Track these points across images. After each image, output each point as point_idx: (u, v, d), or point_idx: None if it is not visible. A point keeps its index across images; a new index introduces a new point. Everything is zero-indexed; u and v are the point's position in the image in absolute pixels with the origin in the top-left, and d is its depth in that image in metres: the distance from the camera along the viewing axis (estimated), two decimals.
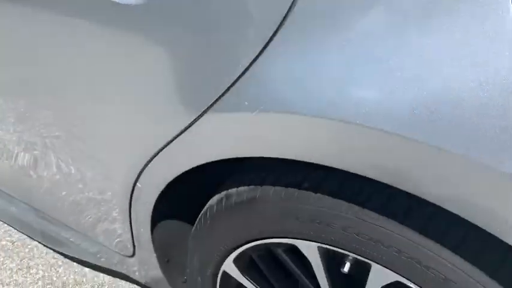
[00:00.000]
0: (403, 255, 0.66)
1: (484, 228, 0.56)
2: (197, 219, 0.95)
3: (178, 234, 1.11)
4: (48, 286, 1.56)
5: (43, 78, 0.98)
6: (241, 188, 0.82)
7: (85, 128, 0.97)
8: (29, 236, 1.55)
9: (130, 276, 1.32)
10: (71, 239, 1.36)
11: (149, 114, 0.83)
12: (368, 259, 0.71)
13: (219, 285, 0.99)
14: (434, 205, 0.59)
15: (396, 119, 0.55)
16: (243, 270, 0.93)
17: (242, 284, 0.96)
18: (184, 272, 1.20)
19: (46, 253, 1.64)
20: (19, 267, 1.59)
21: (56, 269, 1.59)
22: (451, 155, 0.53)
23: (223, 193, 0.85)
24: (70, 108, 0.97)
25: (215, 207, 0.88)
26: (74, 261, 1.59)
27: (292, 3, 0.61)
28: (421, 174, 0.59)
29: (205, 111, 0.72)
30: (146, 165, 0.88)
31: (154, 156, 0.85)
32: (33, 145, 1.12)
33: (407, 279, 0.68)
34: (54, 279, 1.57)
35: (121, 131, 0.91)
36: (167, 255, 1.14)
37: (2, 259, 1.60)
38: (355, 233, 0.69)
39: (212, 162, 0.79)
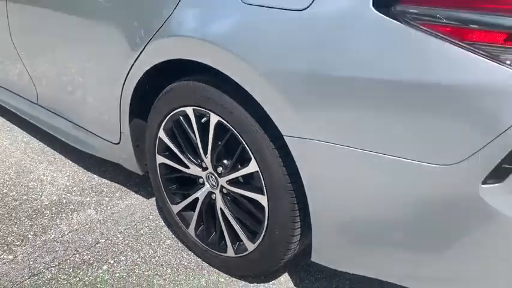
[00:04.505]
0: (217, 104, 1.55)
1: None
2: (150, 111, 1.86)
3: (144, 127, 2.02)
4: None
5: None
6: (170, 85, 1.74)
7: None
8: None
9: (114, 161, 2.22)
10: (80, 138, 2.32)
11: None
12: (209, 110, 1.60)
13: (157, 148, 1.88)
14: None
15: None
16: (168, 134, 1.83)
17: (168, 146, 1.85)
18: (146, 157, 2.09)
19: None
20: None
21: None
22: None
23: (165, 89, 1.77)
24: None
25: (159, 98, 1.80)
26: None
27: None
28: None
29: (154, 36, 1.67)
30: (130, 69, 1.82)
31: (134, 63, 1.79)
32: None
33: (219, 116, 1.57)
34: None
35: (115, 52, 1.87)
36: (137, 141, 2.04)
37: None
38: (205, 97, 1.59)
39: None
